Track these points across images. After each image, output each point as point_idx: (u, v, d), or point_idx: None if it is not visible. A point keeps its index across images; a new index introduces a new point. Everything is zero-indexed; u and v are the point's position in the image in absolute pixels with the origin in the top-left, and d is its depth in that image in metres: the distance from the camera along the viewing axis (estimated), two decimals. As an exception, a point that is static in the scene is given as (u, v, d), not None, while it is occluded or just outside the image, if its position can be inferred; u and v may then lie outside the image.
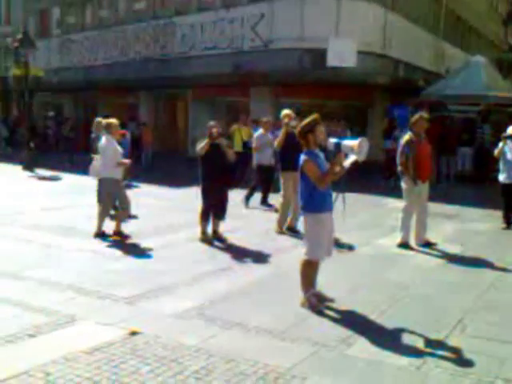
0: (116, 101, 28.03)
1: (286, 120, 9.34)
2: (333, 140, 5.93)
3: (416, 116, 8.94)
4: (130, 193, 9.89)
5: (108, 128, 9.15)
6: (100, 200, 9.37)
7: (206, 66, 20.85)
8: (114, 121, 9.28)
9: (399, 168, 8.83)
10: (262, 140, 11.51)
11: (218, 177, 8.85)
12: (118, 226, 9.08)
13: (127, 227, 9.32)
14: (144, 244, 8.74)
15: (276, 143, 9.46)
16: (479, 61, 20.22)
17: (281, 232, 9.54)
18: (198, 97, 24.09)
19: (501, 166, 10.41)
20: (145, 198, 13.02)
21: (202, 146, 8.83)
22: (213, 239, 8.99)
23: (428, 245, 8.84)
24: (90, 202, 11.99)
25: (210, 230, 9.12)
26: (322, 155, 5.92)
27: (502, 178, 10.39)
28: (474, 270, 7.66)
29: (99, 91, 27.79)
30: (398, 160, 8.82)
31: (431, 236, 9.10)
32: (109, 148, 8.99)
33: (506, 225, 10.46)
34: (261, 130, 11.78)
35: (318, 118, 5.86)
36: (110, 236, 9.01)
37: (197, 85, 22.88)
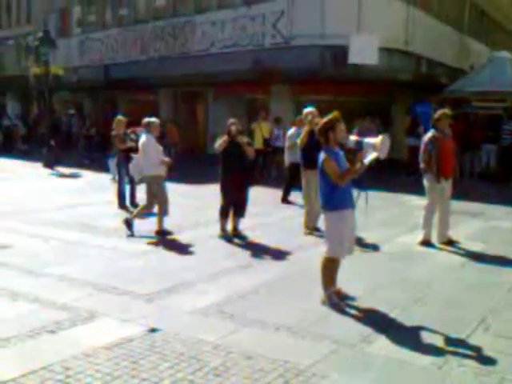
0: (136, 98, 28.13)
1: (309, 117, 9.16)
2: (354, 138, 5.89)
3: (439, 113, 8.82)
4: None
5: (148, 126, 9.26)
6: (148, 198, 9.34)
7: (226, 64, 20.81)
8: (154, 119, 9.40)
9: (422, 165, 8.72)
10: (295, 138, 11.30)
11: (238, 174, 8.85)
12: (160, 224, 9.14)
13: (149, 225, 9.34)
14: (164, 241, 8.75)
15: (299, 141, 9.28)
16: (505, 56, 19.90)
17: (309, 233, 9.36)
18: (217, 94, 24.07)
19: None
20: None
21: (220, 142, 8.84)
22: (232, 236, 8.97)
23: (450, 243, 8.72)
24: (109, 199, 12.17)
25: (229, 227, 9.11)
26: (341, 153, 5.88)
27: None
28: (496, 268, 7.53)
29: (119, 89, 27.90)
30: (421, 157, 8.71)
31: (454, 234, 8.97)
32: (150, 146, 9.10)
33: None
34: (293, 128, 11.60)
35: (338, 115, 5.81)
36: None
37: (216, 82, 22.85)
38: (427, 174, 8.65)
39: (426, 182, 8.75)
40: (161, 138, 13.76)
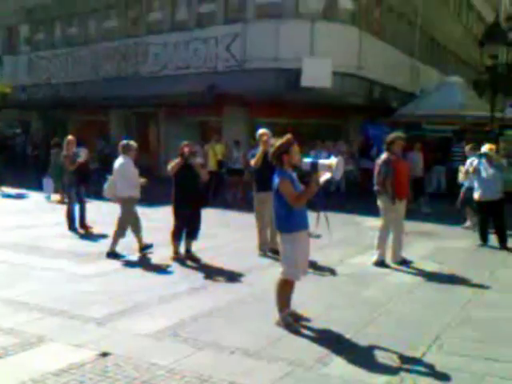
0: (86, 119, 27.77)
1: (264, 138, 9.12)
2: (308, 160, 5.90)
3: (393, 135, 8.96)
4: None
5: (125, 149, 9.24)
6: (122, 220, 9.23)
7: (179, 86, 20.77)
8: (132, 142, 9.40)
9: (377, 187, 8.81)
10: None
11: (191, 196, 8.77)
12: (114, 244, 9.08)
13: (99, 247, 9.14)
14: (115, 263, 8.57)
15: (253, 162, 9.22)
16: (455, 81, 20.50)
17: (263, 254, 9.30)
18: (170, 116, 23.96)
19: (476, 183, 10.48)
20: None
21: (173, 165, 8.77)
22: (185, 259, 8.84)
23: (404, 263, 8.81)
24: (56, 220, 11.88)
25: (182, 249, 8.98)
26: (294, 175, 5.87)
27: (477, 195, 10.45)
28: (450, 287, 7.62)
29: (69, 109, 27.51)
30: (376, 179, 8.81)
31: (407, 254, 9.08)
32: (129, 168, 9.11)
33: (482, 242, 10.49)
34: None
35: (291, 138, 5.81)
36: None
37: (169, 104, 22.76)
38: (382, 195, 8.74)
39: (380, 203, 8.83)
40: (111, 159, 13.62)
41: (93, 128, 26.59)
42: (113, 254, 8.94)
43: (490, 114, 16.51)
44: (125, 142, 9.46)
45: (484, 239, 10.52)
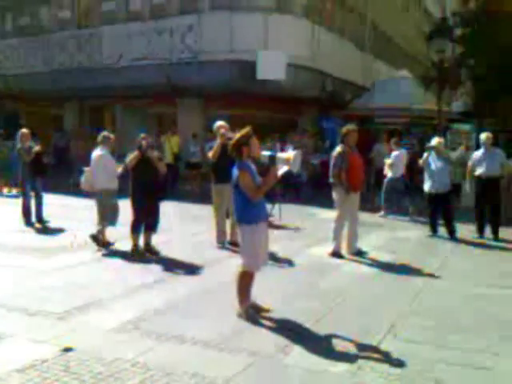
0: (40, 111, 27.21)
1: (221, 131, 9.20)
2: (267, 153, 6.03)
3: (347, 128, 9.15)
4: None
5: (105, 140, 9.28)
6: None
7: (134, 77, 20.61)
8: (109, 134, 9.48)
9: (332, 179, 9.00)
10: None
11: (149, 189, 8.78)
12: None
13: (57, 241, 9.07)
14: (75, 258, 8.53)
15: (211, 154, 9.29)
16: (404, 75, 20.94)
17: (222, 247, 9.40)
18: (126, 108, 23.73)
19: (425, 175, 10.80)
20: (75, 210, 12.74)
21: (131, 158, 8.76)
22: (145, 252, 8.86)
23: (359, 253, 9.05)
24: (11, 215, 11.69)
25: (141, 242, 9.00)
26: (254, 167, 5.97)
27: (426, 187, 10.78)
28: (403, 276, 7.89)
29: (22, 101, 26.90)
30: (331, 171, 9.00)
31: (362, 244, 9.32)
32: (108, 160, 9.16)
33: (432, 232, 10.84)
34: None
35: (251, 131, 5.91)
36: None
37: (124, 96, 22.54)
38: (337, 187, 8.94)
39: (335, 195, 9.03)
40: (66, 152, 13.43)
41: (47, 121, 26.10)
42: (108, 244, 9.10)
43: (438, 108, 16.97)
44: (103, 133, 9.45)
45: (434, 230, 10.88)
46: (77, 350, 4.98)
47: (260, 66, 18.70)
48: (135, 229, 8.89)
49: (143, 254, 8.78)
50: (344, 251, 9.06)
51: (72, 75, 22.98)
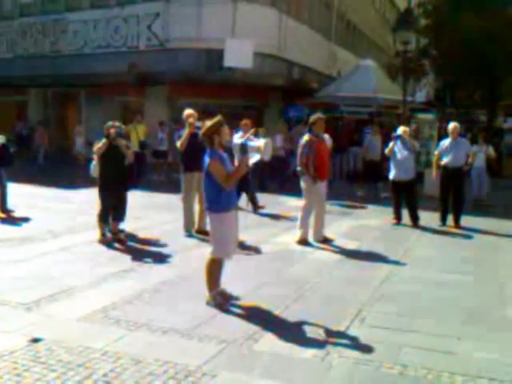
0: (2, 99, 26.67)
1: (190, 120, 9.19)
2: (238, 141, 6.07)
3: (315, 116, 9.22)
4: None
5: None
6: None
7: (100, 65, 20.37)
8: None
9: (299, 168, 9.08)
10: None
11: (117, 177, 8.77)
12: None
13: (23, 231, 8.95)
14: (41, 248, 8.44)
15: (179, 144, 9.29)
16: (369, 64, 21.12)
17: (190, 235, 9.42)
18: (91, 96, 23.44)
19: (391, 164, 10.97)
20: (39, 200, 12.57)
21: (99, 146, 8.72)
22: (112, 240, 8.84)
23: (326, 241, 9.17)
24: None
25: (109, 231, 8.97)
26: (225, 155, 6.00)
27: (391, 175, 10.95)
28: (369, 263, 8.03)
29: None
30: (298, 160, 9.07)
31: (328, 232, 9.45)
32: None
33: (396, 220, 11.04)
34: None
35: (222, 119, 5.94)
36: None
37: (90, 83, 22.26)
38: (304, 175, 9.02)
39: (303, 184, 9.12)
40: (29, 140, 13.25)
41: (9, 109, 25.60)
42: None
43: (402, 98, 17.17)
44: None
45: (398, 218, 11.07)
46: (46, 340, 4.96)
47: (227, 54, 18.69)
48: (102, 217, 8.86)
49: (110, 243, 8.75)
50: (311, 239, 9.17)
51: (35, 62, 22.57)
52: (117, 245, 8.71)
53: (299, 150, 9.11)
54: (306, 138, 9.08)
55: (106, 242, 8.77)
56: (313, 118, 9.21)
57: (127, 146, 9.09)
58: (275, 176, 16.75)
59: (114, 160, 8.73)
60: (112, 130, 8.71)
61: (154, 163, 18.18)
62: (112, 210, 8.90)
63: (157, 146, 17.75)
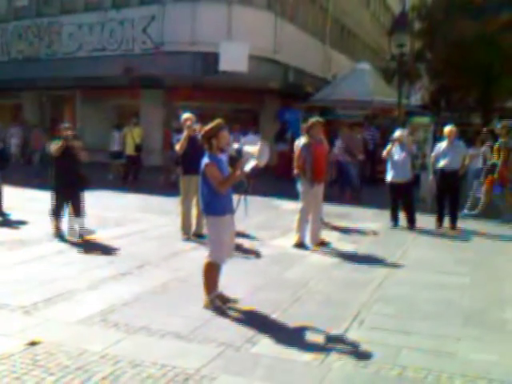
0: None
1: (188, 123, 9.24)
2: (234, 145, 6.06)
3: (313, 120, 9.24)
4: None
5: None
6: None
7: (95, 68, 20.34)
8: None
9: (296, 171, 9.09)
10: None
11: (71, 175, 9.24)
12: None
13: (19, 234, 8.94)
14: (38, 251, 8.42)
15: (178, 147, 9.30)
16: (364, 68, 21.18)
17: (187, 238, 9.40)
18: (86, 99, 23.40)
19: (388, 166, 10.99)
20: (35, 203, 12.53)
21: (57, 147, 9.17)
22: (76, 235, 9.24)
23: (323, 244, 9.17)
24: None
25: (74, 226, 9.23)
26: (224, 159, 6.00)
27: (389, 177, 10.96)
28: (367, 266, 8.04)
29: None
30: (295, 163, 9.08)
31: (325, 235, 9.45)
32: None
33: (393, 223, 11.05)
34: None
35: (221, 123, 5.94)
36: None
37: (85, 86, 22.24)
38: (301, 178, 9.03)
39: (300, 187, 9.13)
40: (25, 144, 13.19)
41: (4, 111, 25.54)
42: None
43: (398, 101, 17.21)
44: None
45: (395, 220, 11.08)
46: (44, 343, 4.94)
47: (222, 57, 18.71)
48: (56, 212, 9.32)
49: (64, 237, 9.17)
50: (308, 242, 9.16)
51: (30, 65, 22.54)
52: (114, 248, 8.67)
53: (296, 153, 9.11)
54: (303, 140, 9.09)
55: (59, 235, 9.26)
56: (311, 121, 9.21)
57: (81, 148, 9.59)
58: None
59: (68, 160, 9.20)
60: (68, 132, 9.24)
61: (110, 164, 18.26)
62: (65, 205, 9.37)
63: (112, 147, 17.86)
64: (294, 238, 9.18)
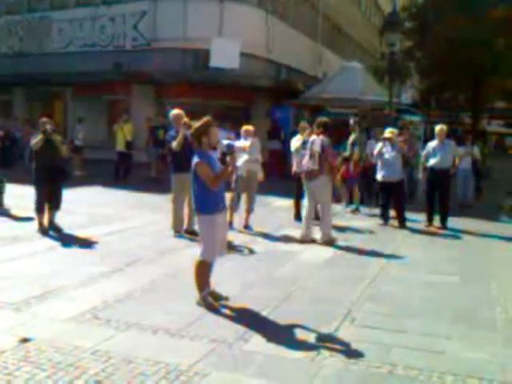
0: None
1: (185, 120, 9.05)
2: (225, 142, 6.06)
3: (326, 120, 9.40)
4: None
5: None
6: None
7: (86, 64, 20.25)
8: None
9: (317, 167, 9.03)
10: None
11: (50, 171, 9.25)
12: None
13: (9, 231, 8.91)
14: (29, 247, 8.39)
15: (175, 144, 9.21)
16: (355, 66, 21.22)
17: (178, 235, 9.38)
18: (77, 95, 23.30)
19: (379, 164, 11.04)
20: (26, 199, 12.46)
21: (37, 140, 9.22)
22: (49, 229, 9.28)
23: (313, 241, 9.22)
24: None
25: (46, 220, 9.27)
26: (215, 156, 6.00)
27: (379, 176, 11.02)
28: (358, 264, 8.08)
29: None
30: (327, 163, 9.07)
31: (316, 234, 9.49)
32: None
33: (383, 221, 11.10)
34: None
35: (211, 120, 5.93)
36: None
37: (76, 82, 22.13)
38: (326, 176, 9.13)
39: (314, 185, 9.15)
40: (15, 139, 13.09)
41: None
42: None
43: (388, 100, 17.26)
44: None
45: (385, 219, 11.14)
46: (35, 339, 4.92)
47: (214, 54, 18.69)
48: (39, 207, 9.34)
49: (47, 232, 9.19)
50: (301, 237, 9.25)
51: (21, 60, 22.41)
52: (104, 244, 8.67)
53: (327, 151, 9.05)
54: (327, 140, 9.09)
55: (42, 231, 9.22)
56: (328, 121, 9.38)
57: (61, 142, 9.65)
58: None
59: (49, 154, 9.21)
60: (48, 126, 9.28)
61: (73, 158, 18.18)
62: (47, 200, 9.36)
63: (77, 142, 17.87)
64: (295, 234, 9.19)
